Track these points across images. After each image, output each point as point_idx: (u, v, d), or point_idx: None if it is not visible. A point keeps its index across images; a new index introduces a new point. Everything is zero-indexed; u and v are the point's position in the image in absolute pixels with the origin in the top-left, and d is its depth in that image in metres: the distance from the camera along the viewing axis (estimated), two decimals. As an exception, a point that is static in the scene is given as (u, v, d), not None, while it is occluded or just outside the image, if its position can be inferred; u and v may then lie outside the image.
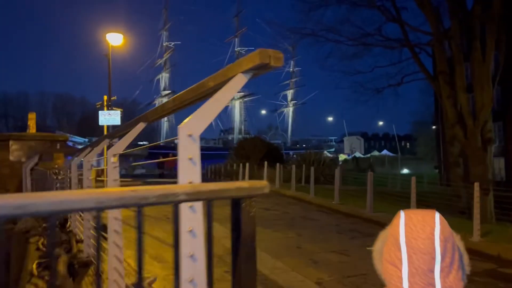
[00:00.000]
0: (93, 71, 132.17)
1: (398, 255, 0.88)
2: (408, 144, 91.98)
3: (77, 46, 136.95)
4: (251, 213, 1.09)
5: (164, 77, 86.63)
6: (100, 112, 13.19)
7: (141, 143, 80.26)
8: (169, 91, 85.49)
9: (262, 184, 1.05)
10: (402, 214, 0.92)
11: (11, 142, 11.86)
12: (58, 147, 12.75)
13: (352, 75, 17.39)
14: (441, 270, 0.85)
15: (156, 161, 17.68)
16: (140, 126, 3.55)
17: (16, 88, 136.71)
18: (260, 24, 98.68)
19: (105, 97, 14.57)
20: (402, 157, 61.02)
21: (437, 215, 0.89)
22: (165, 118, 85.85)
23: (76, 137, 73.33)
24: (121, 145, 3.22)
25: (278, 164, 17.69)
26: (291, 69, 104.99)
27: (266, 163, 18.91)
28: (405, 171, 52.39)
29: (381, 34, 16.32)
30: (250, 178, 20.77)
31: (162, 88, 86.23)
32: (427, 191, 15.25)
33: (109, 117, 12.82)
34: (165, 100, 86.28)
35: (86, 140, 71.42)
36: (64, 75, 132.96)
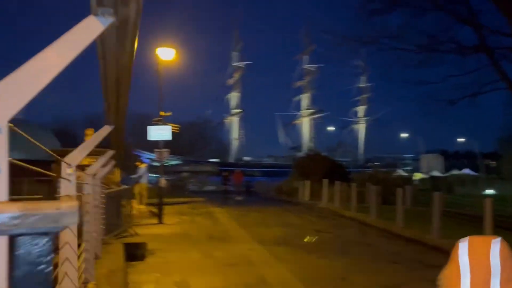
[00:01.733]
0: (170, 90, 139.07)
1: (458, 275, 0.96)
2: (493, 162, 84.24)
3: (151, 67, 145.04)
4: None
5: (234, 96, 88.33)
6: (149, 127, 13.11)
7: (212, 160, 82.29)
8: (239, 110, 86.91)
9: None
10: (463, 240, 1.00)
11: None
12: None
13: (420, 86, 15.92)
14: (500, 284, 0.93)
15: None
16: (105, 129, 3.01)
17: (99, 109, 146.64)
18: (329, 41, 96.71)
19: (162, 113, 14.58)
20: (486, 176, 55.75)
21: (499, 239, 0.97)
22: (235, 136, 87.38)
23: (152, 154, 77.15)
24: (79, 154, 2.67)
25: (337, 182, 16.54)
26: (362, 85, 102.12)
27: (326, 180, 17.85)
28: (490, 191, 47.63)
29: (453, 40, 14.81)
30: (311, 196, 19.76)
31: (232, 106, 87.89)
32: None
33: (159, 132, 12.67)
34: (235, 118, 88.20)
35: (161, 157, 74.88)
36: (145, 95, 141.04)
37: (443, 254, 7.52)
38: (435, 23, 16.07)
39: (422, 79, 16.35)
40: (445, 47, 15.14)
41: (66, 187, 2.54)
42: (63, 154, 9.60)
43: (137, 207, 16.15)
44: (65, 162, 2.51)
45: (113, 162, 6.65)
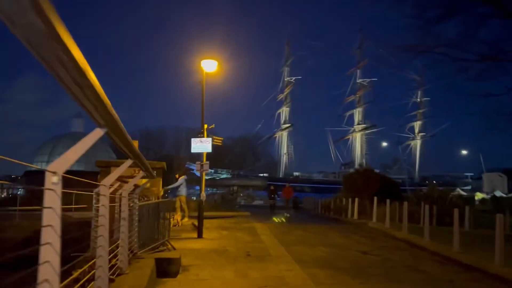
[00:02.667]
0: (223, 105, 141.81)
1: None
2: None
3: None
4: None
5: (284, 111, 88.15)
6: (192, 139, 13.04)
7: (261, 175, 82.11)
8: (289, 124, 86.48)
9: None
10: None
11: (112, 169, 12.31)
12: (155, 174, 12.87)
13: (481, 98, 14.69)
14: None
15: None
16: (96, 133, 2.71)
17: (155, 123, 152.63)
18: (383, 55, 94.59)
19: (205, 126, 14.52)
20: (559, 198, 51.00)
21: None
22: (284, 151, 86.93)
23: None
24: (65, 161, 2.37)
25: (388, 200, 15.56)
26: (418, 99, 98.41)
27: (375, 198, 16.91)
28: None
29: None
30: (359, 214, 18.81)
31: (282, 121, 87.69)
32: None
33: (201, 145, 12.55)
34: (285, 133, 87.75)
35: (212, 171, 75.77)
36: (197, 109, 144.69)
37: (506, 285, 6.59)
38: (497, 31, 14.90)
39: (484, 90, 15.08)
40: (509, 56, 13.91)
41: (51, 198, 2.24)
42: (108, 165, 9.53)
43: (180, 220, 16.06)
44: (48, 171, 2.21)
45: (144, 174, 6.45)
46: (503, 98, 15.59)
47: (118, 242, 5.72)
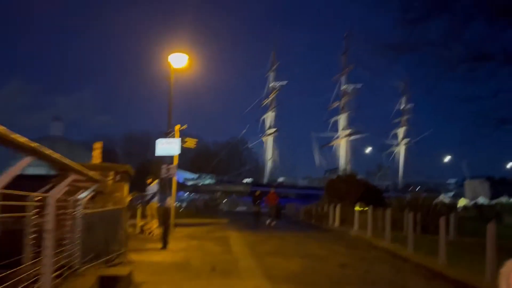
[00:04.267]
0: (208, 110, 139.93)
1: None
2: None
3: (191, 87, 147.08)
4: None
5: (270, 116, 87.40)
6: (157, 140, 12.01)
7: (245, 181, 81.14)
8: (274, 129, 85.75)
9: None
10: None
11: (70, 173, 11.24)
12: (118, 179, 11.83)
13: (466, 102, 14.08)
14: None
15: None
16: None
17: (140, 127, 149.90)
18: (368, 61, 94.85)
19: (177, 127, 13.53)
20: (540, 205, 51.10)
21: None
22: (269, 156, 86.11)
23: (187, 172, 77.05)
24: None
25: (370, 207, 14.78)
26: (402, 106, 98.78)
27: (356, 205, 16.15)
28: (545, 222, 43.40)
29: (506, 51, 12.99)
30: (342, 222, 17.99)
31: (267, 127, 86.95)
32: None
33: (167, 146, 11.52)
34: (270, 139, 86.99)
35: (196, 176, 74.46)
36: (186, 113, 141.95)
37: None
38: (484, 31, 14.31)
39: (471, 93, 14.47)
40: (497, 58, 13.34)
41: None
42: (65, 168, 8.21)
43: (154, 229, 14.99)
44: None
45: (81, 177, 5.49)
46: (490, 101, 15.01)
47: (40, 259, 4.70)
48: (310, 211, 22.39)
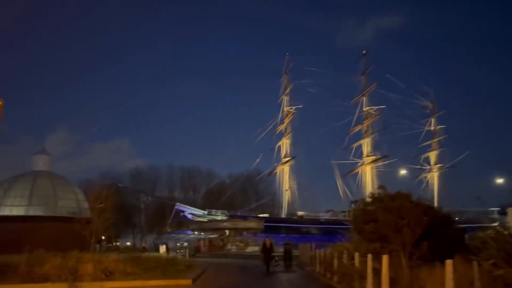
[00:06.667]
0: (219, 142, 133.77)
1: None
2: None
3: (199, 119, 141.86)
4: None
5: (285, 144, 79.27)
6: None
7: (261, 215, 72.06)
8: (290, 157, 77.33)
9: None
10: None
11: None
12: None
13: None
14: None
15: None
16: None
17: (148, 162, 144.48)
18: (391, 80, 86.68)
19: None
20: None
21: None
22: (286, 187, 77.12)
23: (195, 209, 68.94)
24: None
25: (449, 262, 6.23)
26: (432, 128, 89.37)
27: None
28: None
29: None
30: (391, 285, 9.28)
31: (283, 155, 78.64)
32: None
33: None
34: (286, 168, 78.32)
35: (205, 212, 66.08)
36: (191, 148, 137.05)
37: None
38: None
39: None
40: None
41: None
42: None
43: None
44: None
45: None
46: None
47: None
48: (329, 262, 13.74)
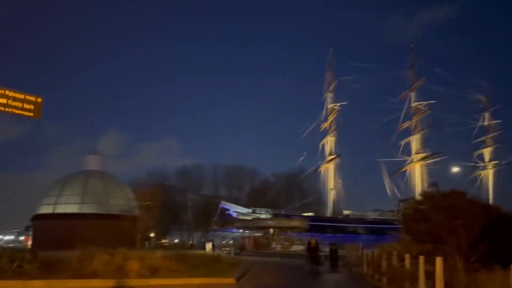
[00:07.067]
0: (263, 140, 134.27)
1: None
2: None
3: (241, 116, 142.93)
4: None
5: (329, 141, 77.94)
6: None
7: (306, 214, 71.24)
8: (335, 156, 75.92)
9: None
10: None
11: None
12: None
13: None
14: None
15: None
16: None
17: (195, 160, 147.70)
18: (440, 74, 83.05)
19: None
20: None
21: None
22: (331, 186, 75.80)
23: (240, 207, 69.29)
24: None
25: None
26: (486, 123, 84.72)
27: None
28: None
29: None
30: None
31: (327, 153, 77.33)
32: None
33: None
34: (331, 166, 77.05)
35: (250, 210, 66.19)
36: (236, 146, 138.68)
37: None
38: None
39: None
40: None
41: None
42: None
43: None
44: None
45: None
46: None
47: None
48: (378, 263, 13.15)
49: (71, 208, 48.92)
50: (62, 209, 48.84)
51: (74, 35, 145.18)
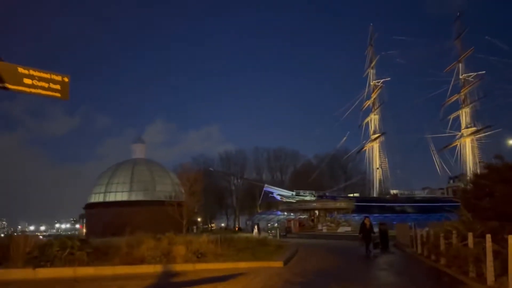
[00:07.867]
0: (304, 122, 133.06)
1: None
2: None
3: (284, 99, 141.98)
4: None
5: (373, 119, 75.58)
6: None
7: (351, 195, 69.90)
8: (379, 134, 73.61)
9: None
10: None
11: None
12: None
13: None
14: None
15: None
16: None
17: (237, 146, 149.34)
18: (490, 43, 77.90)
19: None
20: None
21: None
22: (376, 165, 73.89)
23: (283, 190, 69.12)
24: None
25: None
26: (544, 92, 79.08)
27: None
28: None
29: None
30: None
31: (371, 131, 75.11)
32: None
33: None
34: (376, 145, 74.83)
35: (294, 193, 65.87)
36: (276, 130, 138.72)
37: None
38: None
39: None
40: None
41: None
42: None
43: None
44: None
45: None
46: None
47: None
48: (435, 244, 12.24)
49: (120, 196, 50.52)
50: (111, 197, 50.59)
51: (122, 32, 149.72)
